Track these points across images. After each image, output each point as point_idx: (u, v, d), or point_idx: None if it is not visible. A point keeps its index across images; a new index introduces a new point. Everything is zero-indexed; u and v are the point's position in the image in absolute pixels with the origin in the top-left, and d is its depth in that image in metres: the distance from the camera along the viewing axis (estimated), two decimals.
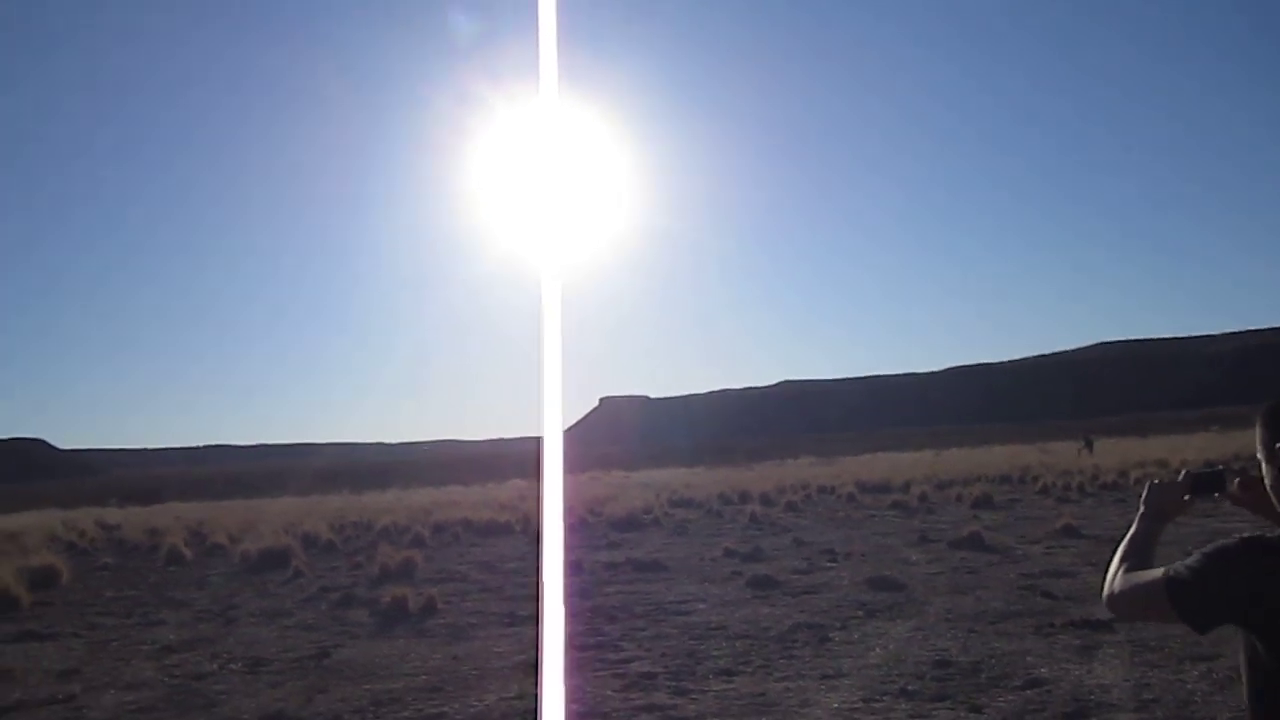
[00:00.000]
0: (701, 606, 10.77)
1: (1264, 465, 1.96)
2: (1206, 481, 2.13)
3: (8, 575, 14.96)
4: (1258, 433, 1.97)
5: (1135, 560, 2.06)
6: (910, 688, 6.74)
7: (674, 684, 7.25)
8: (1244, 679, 1.90)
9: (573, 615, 10.70)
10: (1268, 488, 1.96)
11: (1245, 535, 1.84)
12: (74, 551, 22.36)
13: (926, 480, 32.20)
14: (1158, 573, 1.94)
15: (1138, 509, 2.18)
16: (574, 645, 8.95)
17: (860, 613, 9.79)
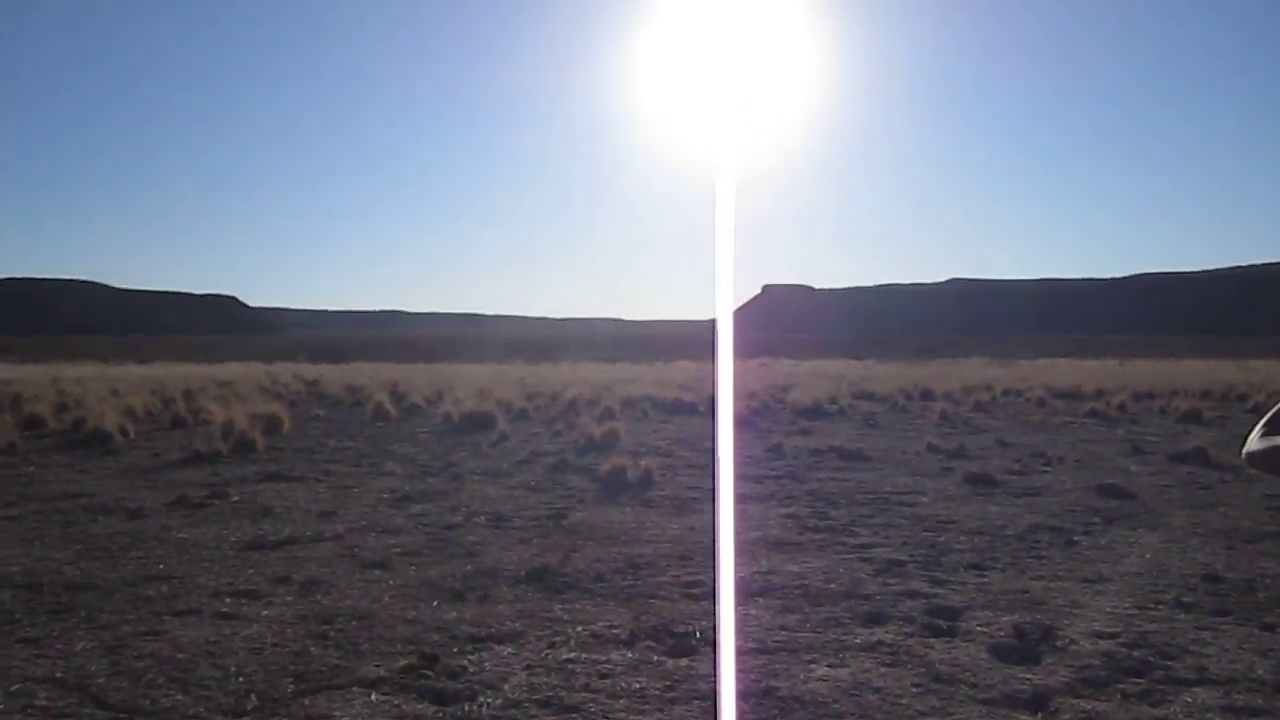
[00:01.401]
0: (924, 499, 10.65)
1: None
2: None
3: (243, 421, 16.03)
4: None
5: (1274, 425, 2.28)
6: (1184, 599, 6.50)
7: (926, 573, 7.20)
8: None
9: (790, 497, 10.77)
10: None
11: None
12: (285, 402, 23.66)
13: (1121, 390, 30.86)
14: None
15: None
16: (807, 527, 9.00)
17: (1097, 519, 9.49)
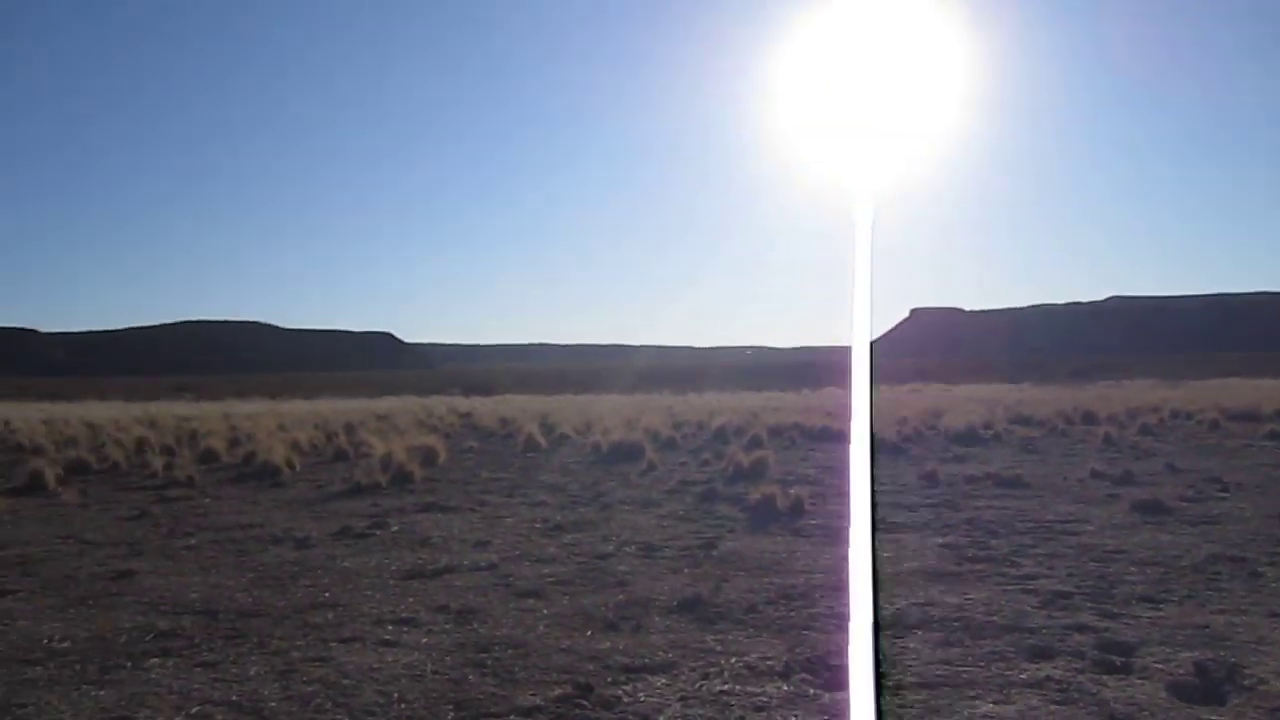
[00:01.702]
0: (1089, 528, 10.18)
1: None
2: None
3: (401, 453, 16.55)
4: None
5: None
6: None
7: (1095, 606, 6.86)
8: None
9: (946, 526, 10.45)
10: None
11: None
12: (439, 434, 24.33)
13: None
14: None
15: None
16: (965, 557, 8.72)
17: None
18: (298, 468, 17.40)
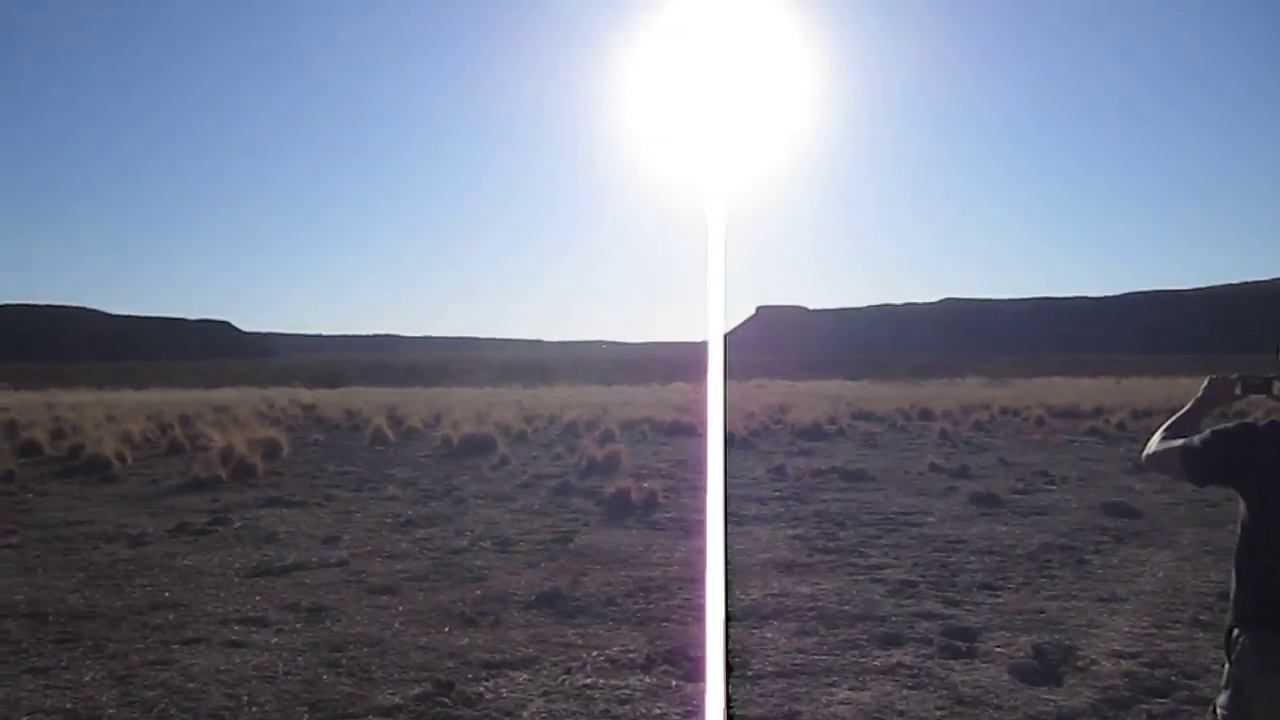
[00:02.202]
0: (930, 519, 10.60)
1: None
2: (1256, 384, 2.74)
3: (241, 446, 15.94)
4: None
5: (1174, 431, 2.74)
6: (1201, 618, 6.45)
7: (939, 594, 7.14)
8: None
9: (796, 518, 10.71)
10: None
11: (1243, 420, 2.55)
12: (282, 427, 23.54)
13: (1119, 408, 30.90)
14: (1180, 441, 2.66)
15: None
16: (815, 548, 8.94)
17: (1107, 538, 9.44)
18: (130, 461, 16.56)
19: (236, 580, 7.78)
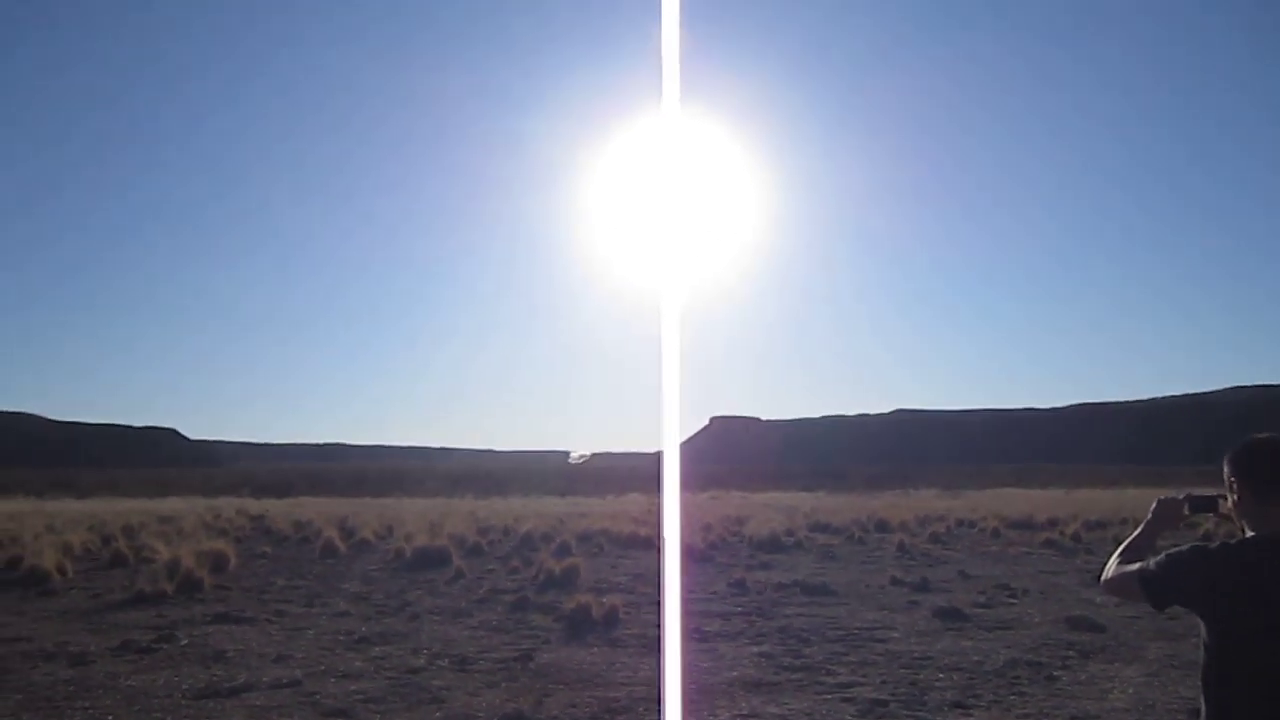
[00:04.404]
0: (895, 634, 10.48)
1: (1228, 494, 2.68)
2: (1203, 503, 2.84)
3: (188, 558, 15.50)
4: (1224, 468, 2.67)
5: (1129, 555, 2.79)
6: None
7: (910, 713, 7.02)
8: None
9: (760, 634, 10.55)
10: (1231, 510, 2.68)
11: (1194, 543, 2.60)
12: (230, 538, 22.97)
13: (1072, 519, 31.09)
14: (1137, 566, 2.70)
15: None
16: (781, 666, 8.79)
17: (1073, 653, 9.39)
18: (70, 574, 16.01)
19: (183, 703, 7.46)
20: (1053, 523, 30.08)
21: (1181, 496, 2.90)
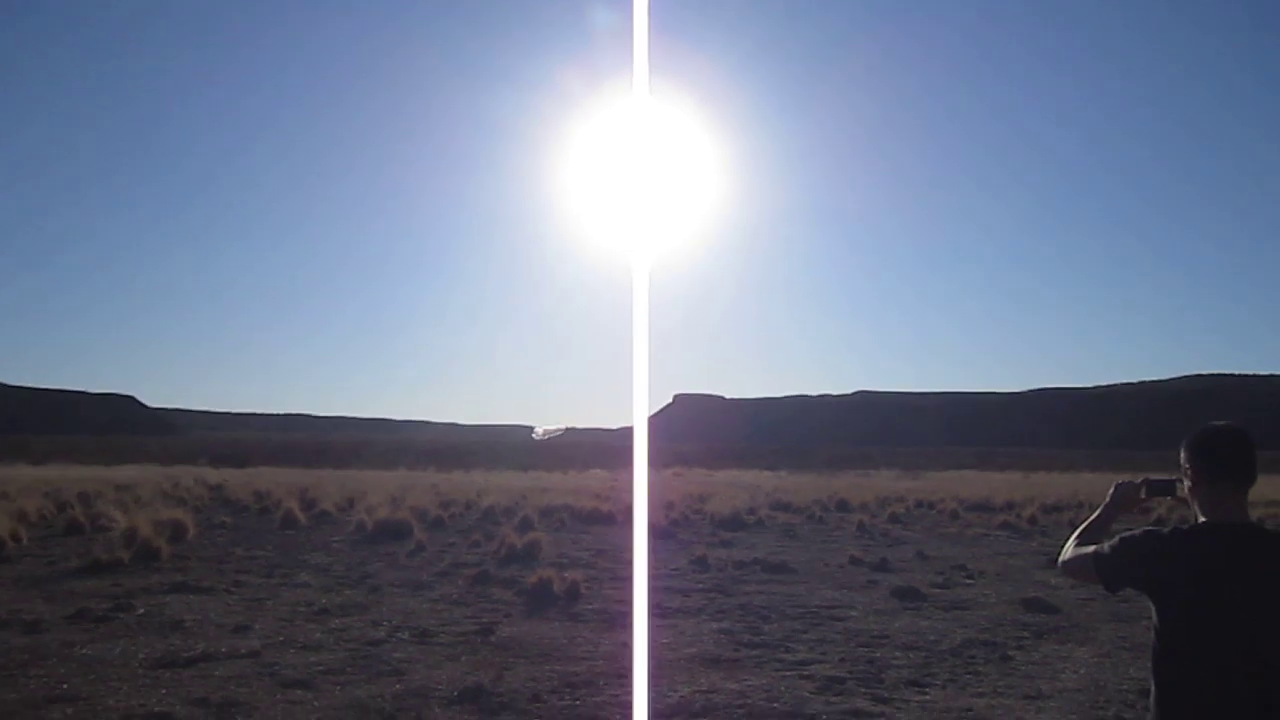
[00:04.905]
0: (854, 613, 10.60)
1: (1183, 479, 2.75)
2: (1160, 486, 2.90)
3: (145, 527, 15.34)
4: (1180, 454, 2.74)
5: (1086, 538, 2.86)
6: (1125, 716, 6.51)
7: (867, 691, 7.10)
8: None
9: (721, 611, 10.62)
10: (1186, 494, 2.76)
11: (1146, 527, 2.68)
12: (188, 508, 22.77)
13: (1029, 502, 31.51)
14: (1092, 548, 2.77)
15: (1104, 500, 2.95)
16: (741, 643, 8.86)
17: (1027, 634, 9.54)
18: (25, 541, 15.81)
19: (140, 672, 7.40)
20: (1010, 505, 30.50)
21: (1139, 480, 2.97)
